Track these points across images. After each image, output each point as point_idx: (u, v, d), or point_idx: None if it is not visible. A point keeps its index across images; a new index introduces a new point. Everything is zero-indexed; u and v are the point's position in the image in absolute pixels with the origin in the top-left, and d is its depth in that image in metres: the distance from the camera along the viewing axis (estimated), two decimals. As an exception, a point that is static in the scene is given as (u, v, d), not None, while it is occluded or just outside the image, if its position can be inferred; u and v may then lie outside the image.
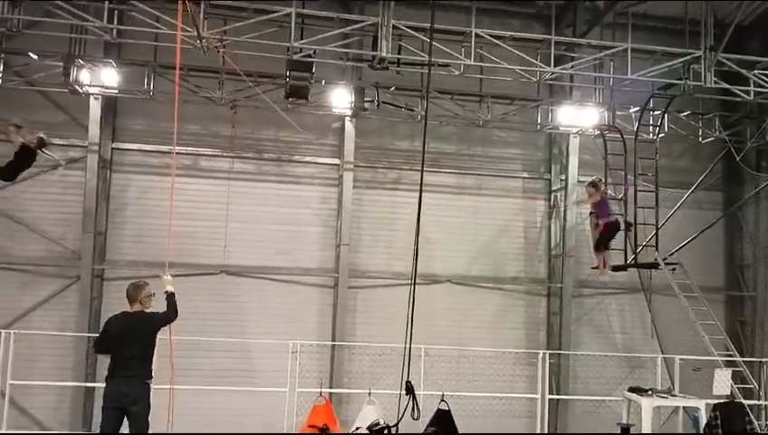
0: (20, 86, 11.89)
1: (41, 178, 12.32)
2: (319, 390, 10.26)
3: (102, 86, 11.88)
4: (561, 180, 13.65)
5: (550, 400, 11.09)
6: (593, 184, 11.46)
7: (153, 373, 7.12)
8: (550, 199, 13.80)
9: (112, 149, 12.68)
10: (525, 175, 13.93)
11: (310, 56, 11.13)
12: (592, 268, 12.06)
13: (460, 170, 13.60)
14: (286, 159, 13.06)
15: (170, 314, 7.26)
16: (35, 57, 11.62)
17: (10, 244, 12.20)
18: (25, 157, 9.25)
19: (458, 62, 10.89)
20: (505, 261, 13.55)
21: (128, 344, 6.91)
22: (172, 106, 11.82)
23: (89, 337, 11.37)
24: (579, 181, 13.14)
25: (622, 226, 11.54)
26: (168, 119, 12.16)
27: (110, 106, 12.58)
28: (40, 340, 11.34)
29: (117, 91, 12.06)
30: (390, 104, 12.56)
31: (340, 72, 12.58)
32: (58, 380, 11.34)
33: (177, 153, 12.26)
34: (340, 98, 12.28)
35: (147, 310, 7.19)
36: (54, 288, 12.21)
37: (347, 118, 12.86)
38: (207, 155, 12.90)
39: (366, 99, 12.31)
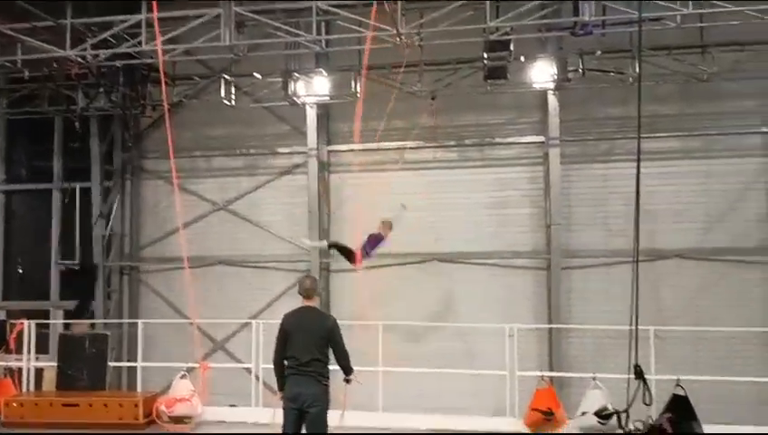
0: (249, 105, 13.37)
1: (270, 186, 13.77)
2: (539, 373, 9.98)
3: (316, 95, 12.87)
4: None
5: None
6: None
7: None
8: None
9: (328, 151, 13.67)
10: (766, 130, 12.09)
11: (507, 33, 10.91)
12: None
13: (684, 132, 12.24)
14: (488, 143, 12.93)
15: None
16: (259, 76, 13.01)
17: (252, 244, 13.81)
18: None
19: (674, 12, 9.80)
20: (747, 229, 11.88)
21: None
22: (378, 106, 12.63)
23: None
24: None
25: None
26: (376, 117, 12.93)
27: (324, 113, 13.56)
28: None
29: (329, 98, 12.97)
30: (597, 70, 11.79)
31: (539, 46, 12.08)
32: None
33: (384, 149, 12.96)
34: (541, 72, 11.82)
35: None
36: (288, 283, 13.56)
37: (549, 92, 12.31)
38: (412, 148, 13.27)
39: (569, 68, 11.71)
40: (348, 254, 9.77)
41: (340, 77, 12.75)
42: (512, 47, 11.10)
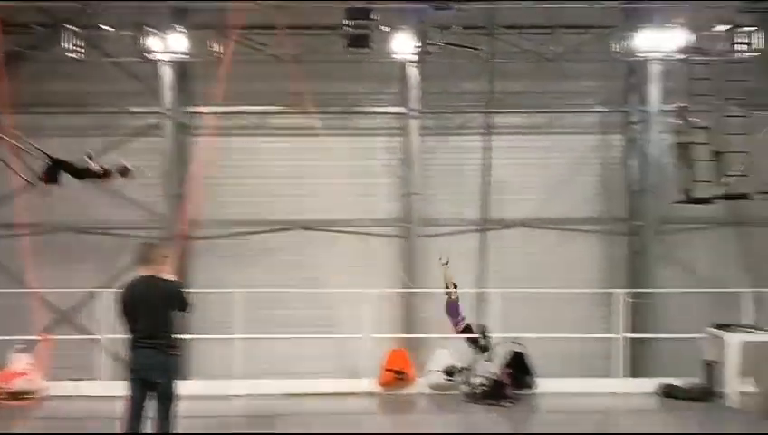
0: (98, 59, 12.41)
1: (123, 148, 12.98)
2: (391, 335, 10.46)
3: (172, 52, 12.25)
4: (641, 112, 12.88)
5: (631, 340, 10.72)
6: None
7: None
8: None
9: (187, 113, 13.13)
10: (602, 109, 13.24)
11: (368, 1, 10.99)
12: None
13: (531, 109, 13.10)
14: (350, 111, 13.07)
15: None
16: (108, 29, 12.12)
17: (102, 210, 13.03)
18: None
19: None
20: (582, 201, 13.07)
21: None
22: (242, 68, 12.28)
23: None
24: (662, 111, 12.37)
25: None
26: (240, 80, 12.58)
27: (181, 72, 12.97)
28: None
29: (186, 56, 12.40)
30: (455, 45, 12.21)
31: (402, 17, 12.27)
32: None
33: (242, 113, 12.68)
34: (403, 43, 12.05)
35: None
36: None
37: (409, 64, 12.61)
38: (276, 113, 13.10)
39: (429, 42, 12.04)
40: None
41: (199, 35, 12.24)
42: (372, 16, 11.19)
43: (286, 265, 12.93)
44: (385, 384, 9.88)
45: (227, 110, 12.81)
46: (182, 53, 12.28)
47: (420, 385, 9.95)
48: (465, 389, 9.56)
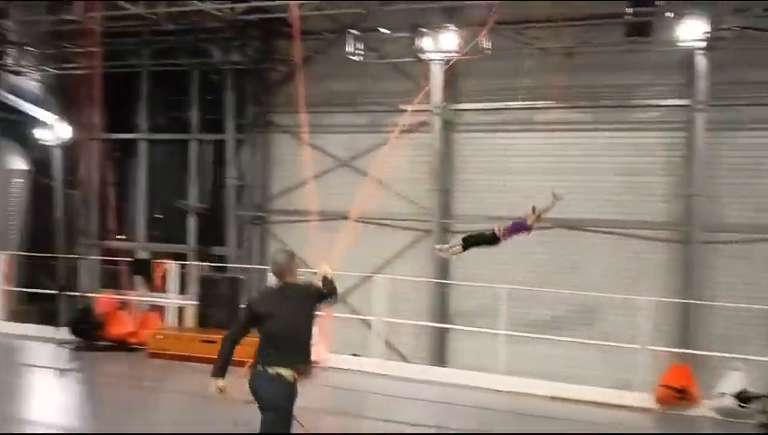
0: (375, 60, 13.29)
1: (393, 143, 13.75)
2: (673, 349, 9.58)
3: (443, 51, 12.64)
4: None
5: None
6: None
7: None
8: None
9: (453, 110, 13.47)
10: None
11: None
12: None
13: None
14: (625, 105, 12.25)
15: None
16: (387, 32, 12.92)
17: (373, 201, 13.97)
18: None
19: None
20: None
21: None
22: (508, 63, 12.25)
23: (439, 283, 12.70)
24: None
25: None
26: (505, 75, 12.57)
27: (451, 70, 13.29)
28: (400, 284, 12.88)
29: (456, 55, 12.70)
30: (754, 29, 10.78)
31: (688, 1, 11.17)
32: (415, 320, 12.73)
33: (508, 108, 12.60)
34: (690, 30, 10.96)
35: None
36: (407, 242, 13.69)
37: (697, 51, 11.42)
38: (541, 108, 12.82)
39: (722, 26, 10.79)
40: (489, 241, 9.00)
41: (470, 32, 12.44)
42: (658, 2, 10.34)
43: (544, 263, 12.59)
44: (662, 401, 9.09)
45: (492, 106, 12.90)
46: (452, 51, 12.59)
47: (704, 407, 8.97)
48: (761, 419, 8.40)
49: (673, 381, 9.03)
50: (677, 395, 8.97)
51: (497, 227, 8.88)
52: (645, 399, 9.18)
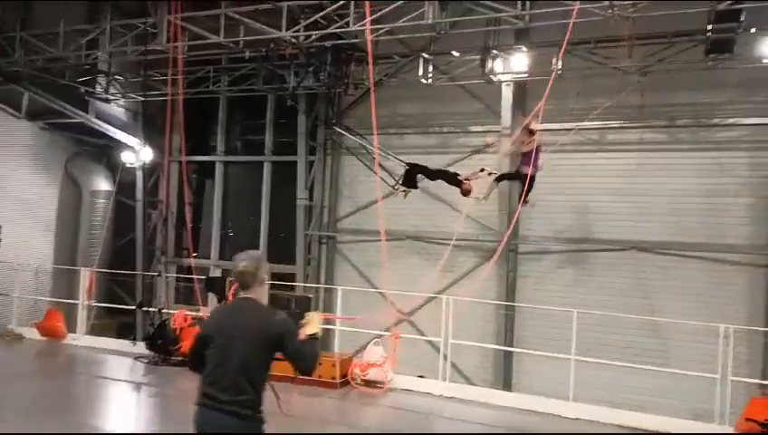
0: (444, 83, 13.43)
1: (461, 164, 13.74)
2: (756, 380, 9.01)
3: (513, 72, 12.59)
4: None
5: None
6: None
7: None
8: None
9: (523, 131, 13.32)
10: None
11: (737, 2, 9.79)
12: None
13: None
14: (704, 124, 11.80)
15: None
16: (457, 54, 13.01)
17: (440, 221, 13.97)
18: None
19: None
20: None
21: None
22: (579, 83, 12.03)
23: (506, 305, 12.50)
24: None
25: None
26: (574, 96, 12.35)
27: (520, 90, 13.24)
28: (465, 306, 12.73)
29: (527, 75, 12.63)
30: None
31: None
32: (480, 342, 12.51)
33: (581, 128, 12.37)
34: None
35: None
36: (473, 262, 13.55)
37: (782, 68, 10.90)
38: (614, 128, 12.52)
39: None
40: (518, 177, 10.05)
41: (540, 53, 12.35)
42: (742, 18, 9.95)
43: (616, 286, 12.19)
44: (745, 435, 8.53)
45: (563, 126, 12.68)
46: (522, 72, 12.53)
47: (790, 443, 8.35)
48: None
49: (757, 414, 8.47)
50: (763, 429, 8.40)
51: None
52: (724, 431, 8.65)
